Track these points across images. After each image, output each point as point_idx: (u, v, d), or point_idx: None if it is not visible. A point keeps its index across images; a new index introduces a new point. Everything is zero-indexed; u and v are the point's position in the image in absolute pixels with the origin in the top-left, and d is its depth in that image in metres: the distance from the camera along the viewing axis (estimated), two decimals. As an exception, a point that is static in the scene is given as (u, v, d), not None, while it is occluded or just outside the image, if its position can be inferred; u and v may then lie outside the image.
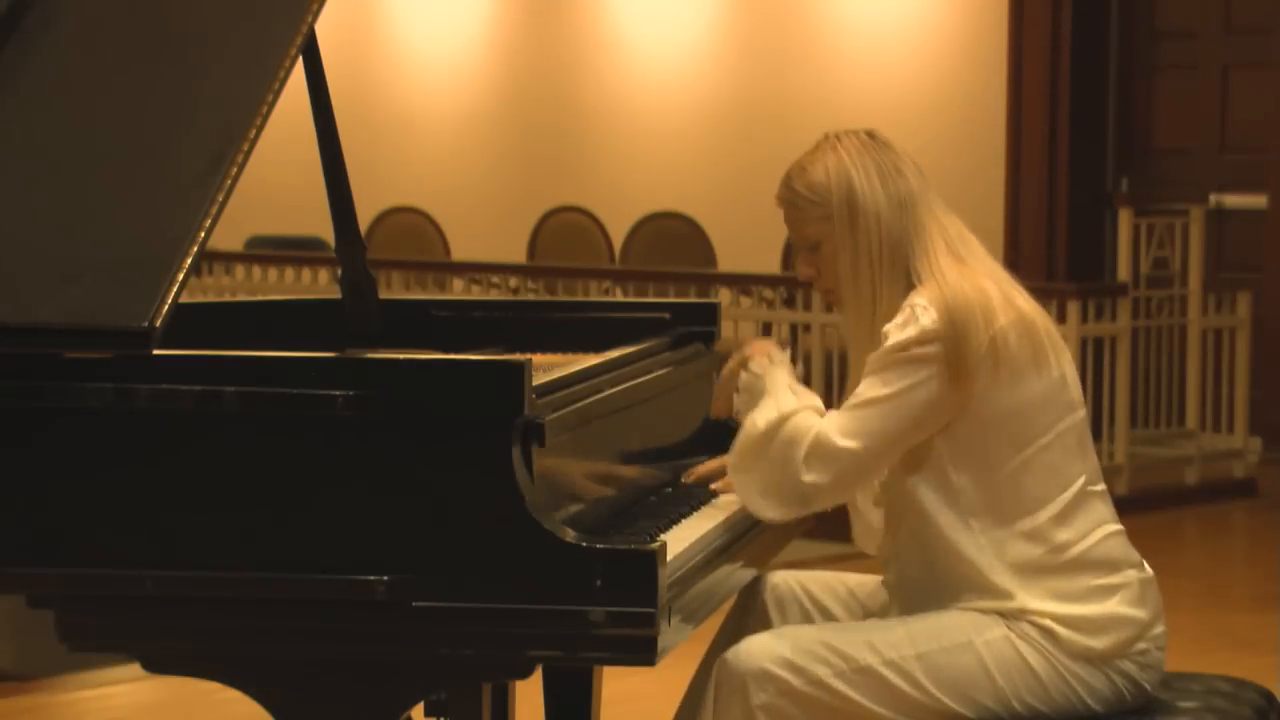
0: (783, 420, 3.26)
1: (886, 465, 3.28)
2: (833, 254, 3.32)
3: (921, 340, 3.20)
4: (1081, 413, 3.34)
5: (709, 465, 3.57)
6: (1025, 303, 3.30)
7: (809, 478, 3.23)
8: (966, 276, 3.26)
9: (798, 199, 3.35)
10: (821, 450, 3.22)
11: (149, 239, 2.97)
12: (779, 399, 3.30)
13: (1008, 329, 3.23)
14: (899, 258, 3.28)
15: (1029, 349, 3.26)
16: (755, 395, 3.34)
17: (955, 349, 3.20)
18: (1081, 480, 3.31)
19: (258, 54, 3.18)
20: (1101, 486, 3.36)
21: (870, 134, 3.37)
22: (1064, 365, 3.32)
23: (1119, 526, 3.35)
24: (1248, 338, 9.13)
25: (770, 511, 3.29)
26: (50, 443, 2.93)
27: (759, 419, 3.29)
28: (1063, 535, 3.27)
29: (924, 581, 3.32)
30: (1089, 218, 10.24)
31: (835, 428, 3.23)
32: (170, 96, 3.18)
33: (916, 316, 3.22)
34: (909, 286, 3.28)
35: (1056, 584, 3.26)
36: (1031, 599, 3.25)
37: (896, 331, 3.23)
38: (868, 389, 3.23)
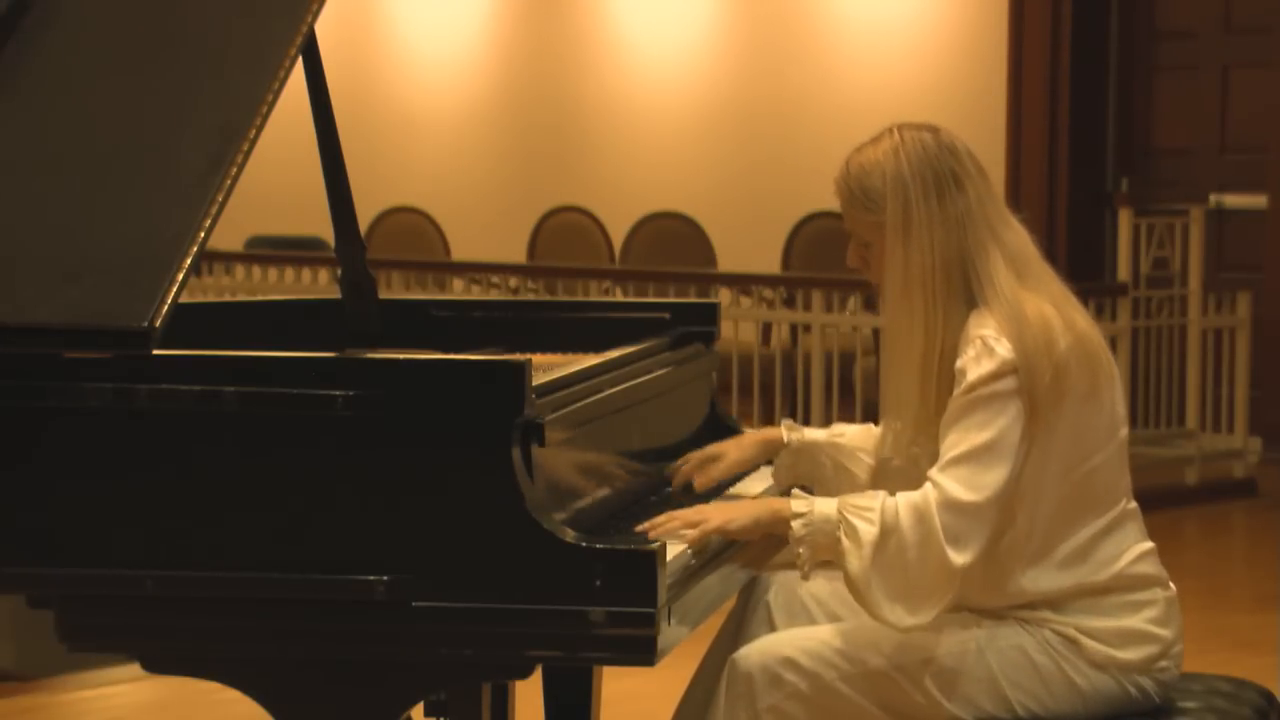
0: (887, 516, 3.09)
1: (1006, 511, 3.15)
2: (881, 257, 3.26)
3: (1000, 373, 3.12)
4: (1125, 430, 3.29)
5: (667, 527, 3.20)
6: (1083, 321, 3.24)
7: (960, 559, 3.08)
8: (1028, 300, 3.18)
9: (853, 197, 3.27)
10: (956, 516, 3.08)
11: (149, 239, 2.97)
12: (851, 505, 3.13)
13: (1068, 355, 3.17)
14: (955, 277, 3.21)
15: (1088, 373, 3.20)
16: (818, 529, 3.15)
17: (1029, 377, 3.13)
18: (1122, 502, 3.28)
19: (257, 54, 3.18)
20: (1134, 504, 3.32)
21: (935, 133, 3.26)
22: (1115, 383, 3.27)
23: (1150, 545, 3.31)
24: (1248, 338, 9.13)
25: (922, 615, 3.12)
26: (50, 443, 2.93)
27: (862, 536, 3.09)
28: (1097, 558, 3.24)
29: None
30: (1089, 218, 10.25)
31: (954, 487, 3.10)
32: (170, 96, 3.18)
33: (991, 348, 3.14)
34: (969, 307, 3.21)
35: (1085, 602, 3.24)
36: (1056, 614, 3.24)
37: (973, 366, 3.14)
38: (965, 437, 3.12)
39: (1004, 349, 3.14)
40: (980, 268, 3.21)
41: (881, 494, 3.17)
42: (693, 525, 3.15)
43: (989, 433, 3.13)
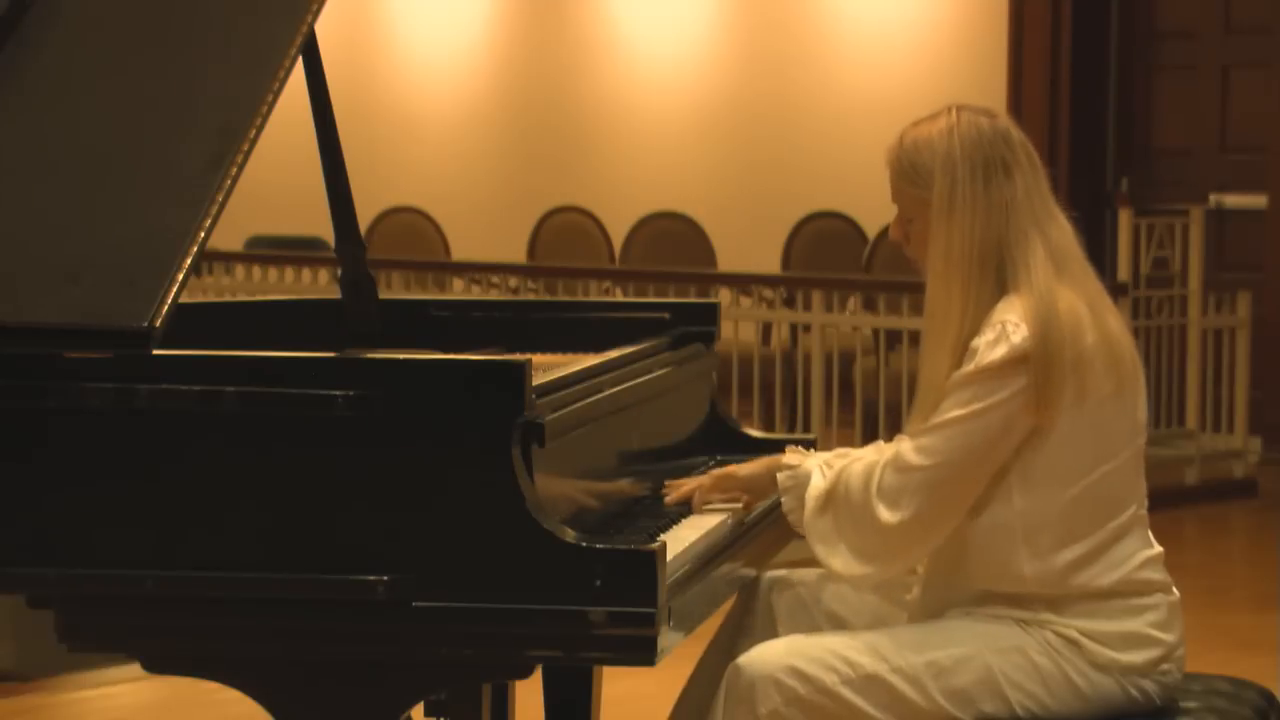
0: (841, 472, 3.22)
1: (968, 491, 3.19)
2: (924, 231, 3.27)
3: (1010, 360, 3.14)
4: (1144, 439, 3.30)
5: (687, 486, 3.41)
6: (1115, 324, 3.25)
7: (890, 516, 3.16)
8: (1060, 294, 3.19)
9: (902, 170, 3.28)
10: (896, 474, 3.17)
11: (149, 239, 2.97)
12: (826, 464, 3.27)
13: (1093, 352, 3.18)
14: (989, 262, 3.21)
15: (1112, 374, 3.21)
16: (800, 483, 3.29)
17: (1043, 369, 3.14)
18: (1133, 507, 3.28)
19: (258, 54, 3.18)
20: (1145, 510, 3.32)
21: (993, 119, 3.27)
22: (1139, 389, 3.28)
23: (1157, 550, 3.31)
24: (1248, 338, 9.12)
25: (864, 568, 3.22)
26: (50, 443, 2.93)
27: (813, 488, 3.24)
28: (1105, 561, 3.23)
29: (947, 581, 3.30)
30: (1089, 218, 10.23)
31: (908, 449, 3.18)
32: (170, 96, 3.18)
33: (1007, 334, 3.15)
34: (1000, 292, 3.22)
35: (1087, 605, 3.24)
36: (1057, 615, 3.24)
37: (986, 350, 3.16)
38: (949, 410, 3.17)
39: (1020, 336, 3.15)
40: (1018, 256, 3.22)
41: (855, 453, 3.28)
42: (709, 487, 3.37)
43: (971, 408, 3.16)
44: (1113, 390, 3.22)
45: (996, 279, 3.22)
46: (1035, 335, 3.14)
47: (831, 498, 3.23)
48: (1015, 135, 3.27)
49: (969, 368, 3.17)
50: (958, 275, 3.23)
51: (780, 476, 3.31)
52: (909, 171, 3.27)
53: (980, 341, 3.18)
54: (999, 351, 3.15)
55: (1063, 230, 3.28)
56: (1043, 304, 3.17)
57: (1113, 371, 3.21)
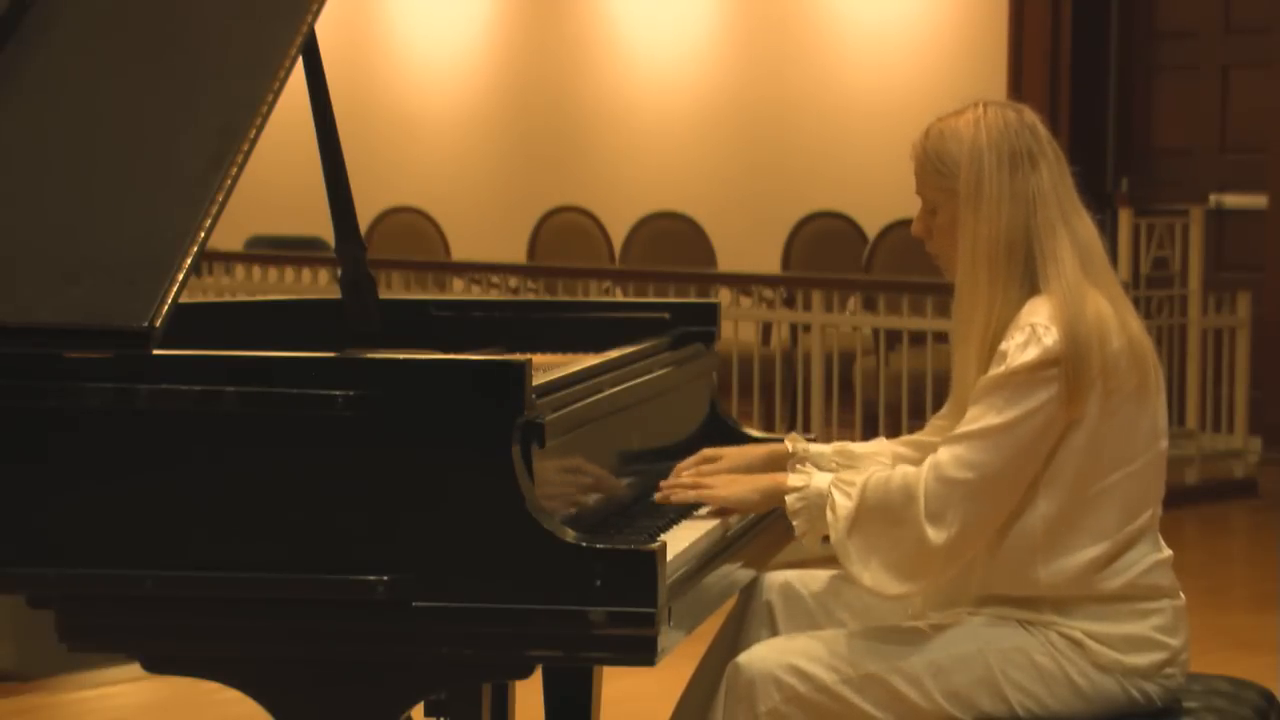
0: (866, 487, 3.17)
1: (1009, 499, 3.17)
2: (948, 224, 3.25)
3: (1042, 363, 3.12)
4: (1165, 442, 3.29)
5: (679, 494, 3.35)
6: (1136, 326, 3.24)
7: (937, 536, 3.12)
8: (1088, 294, 3.18)
9: (928, 161, 3.28)
10: (940, 487, 3.13)
11: (149, 239, 2.97)
12: (842, 480, 3.22)
13: (1119, 354, 3.18)
14: (1018, 255, 3.20)
15: (1136, 376, 3.20)
16: (812, 503, 3.24)
17: (1074, 370, 3.13)
18: (1149, 513, 3.28)
19: (258, 54, 3.18)
20: (1159, 513, 3.31)
21: (1019, 112, 3.28)
22: (1161, 392, 3.27)
23: (1166, 555, 3.31)
24: (1248, 338, 9.12)
25: (905, 586, 3.18)
26: (50, 443, 2.93)
27: (840, 508, 3.19)
28: (1117, 565, 3.23)
29: (959, 580, 3.28)
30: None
31: (949, 462, 3.14)
32: (170, 96, 3.18)
33: (1039, 337, 3.13)
34: (1031, 290, 3.21)
35: (1092, 607, 3.24)
36: (1062, 617, 3.23)
37: (1017, 353, 3.14)
38: (983, 415, 3.14)
39: (1051, 339, 3.14)
40: (1046, 248, 3.21)
41: (873, 469, 3.24)
42: (695, 488, 3.31)
43: (1006, 416, 3.13)
44: (1135, 392, 3.21)
45: (1025, 272, 3.21)
46: (1067, 333, 3.14)
47: (861, 516, 3.18)
48: (1042, 130, 3.28)
49: (999, 371, 3.15)
50: (984, 266, 3.22)
51: (789, 500, 3.25)
52: (935, 161, 3.26)
53: (1009, 344, 3.16)
54: (1030, 354, 3.14)
55: (1088, 227, 3.28)
56: (1071, 305, 3.16)
57: (1136, 374, 3.20)
